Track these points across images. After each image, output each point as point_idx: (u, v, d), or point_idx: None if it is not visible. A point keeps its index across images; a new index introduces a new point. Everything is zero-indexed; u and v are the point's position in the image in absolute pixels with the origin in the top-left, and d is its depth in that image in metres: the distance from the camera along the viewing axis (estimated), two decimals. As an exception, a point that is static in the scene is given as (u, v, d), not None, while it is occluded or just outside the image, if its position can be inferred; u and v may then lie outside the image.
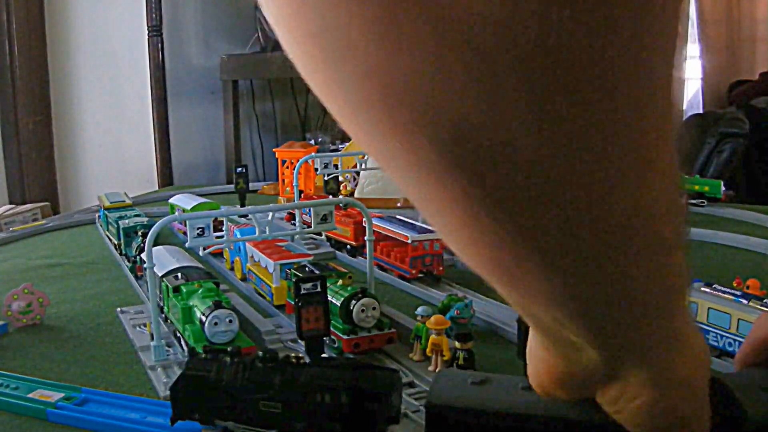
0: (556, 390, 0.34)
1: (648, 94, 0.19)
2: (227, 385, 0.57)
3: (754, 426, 0.36)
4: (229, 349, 0.60)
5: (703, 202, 1.62)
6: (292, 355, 0.58)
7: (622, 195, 0.21)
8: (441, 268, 1.09)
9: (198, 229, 0.83)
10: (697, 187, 1.62)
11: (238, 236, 1.10)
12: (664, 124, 0.21)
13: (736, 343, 0.75)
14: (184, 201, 1.42)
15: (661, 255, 0.25)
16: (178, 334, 0.83)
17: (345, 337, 0.79)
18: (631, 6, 0.17)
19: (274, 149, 1.86)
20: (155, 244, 0.80)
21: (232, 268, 1.18)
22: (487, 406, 0.41)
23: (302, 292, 0.75)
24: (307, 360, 0.58)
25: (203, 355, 0.61)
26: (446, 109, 0.18)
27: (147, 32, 2.31)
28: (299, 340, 0.80)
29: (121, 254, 1.28)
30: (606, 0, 0.16)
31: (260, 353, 0.58)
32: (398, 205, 1.72)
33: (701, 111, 3.80)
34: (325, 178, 1.67)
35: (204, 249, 1.26)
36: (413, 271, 1.08)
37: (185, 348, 0.80)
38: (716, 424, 0.34)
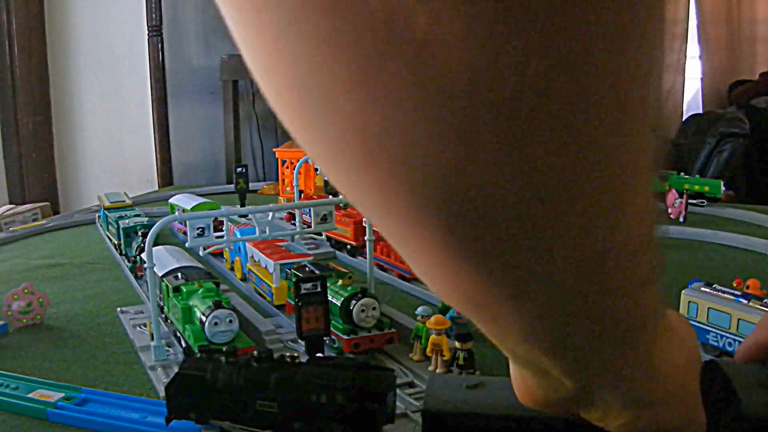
0: (542, 409, 0.34)
1: (624, 142, 0.20)
2: (223, 384, 0.57)
3: (747, 412, 0.36)
4: (224, 348, 0.59)
5: (703, 202, 1.62)
6: (288, 354, 0.58)
7: (597, 235, 0.21)
8: (441, 268, 1.09)
9: (198, 229, 0.83)
10: (697, 187, 1.62)
11: (238, 236, 1.10)
12: (640, 165, 0.21)
13: (736, 343, 0.75)
14: (184, 201, 1.42)
15: (636, 290, 0.25)
16: (178, 334, 0.83)
17: (345, 337, 0.79)
18: (610, 60, 0.17)
19: (274, 149, 1.86)
20: (155, 244, 0.80)
21: (232, 268, 1.18)
22: (483, 409, 0.41)
23: (302, 292, 0.75)
24: (303, 359, 0.58)
25: (199, 355, 0.60)
26: (424, 158, 0.18)
27: (147, 32, 2.31)
28: (299, 340, 0.80)
29: (121, 254, 1.28)
30: (586, 53, 0.16)
31: (255, 353, 0.58)
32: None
33: (701, 111, 3.80)
34: (325, 178, 1.67)
35: (204, 249, 1.26)
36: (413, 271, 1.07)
37: (185, 348, 0.80)
38: (710, 409, 0.34)
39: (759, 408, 0.36)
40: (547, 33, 0.16)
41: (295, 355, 0.58)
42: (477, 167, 0.18)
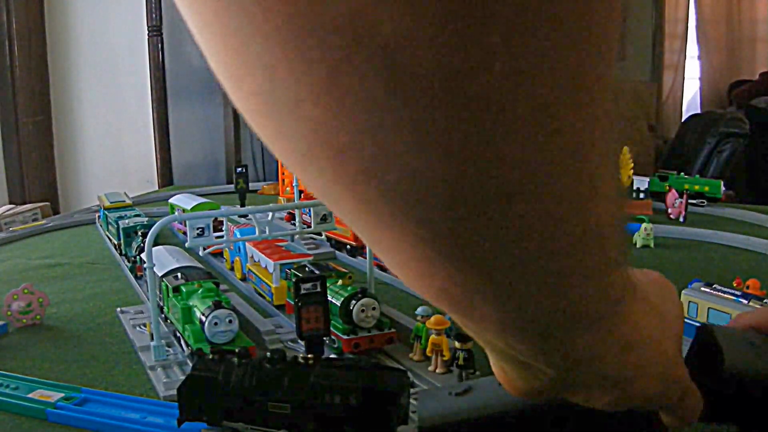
0: (526, 398, 0.35)
1: (592, 131, 0.20)
2: (235, 385, 0.56)
3: (730, 371, 0.36)
4: (237, 349, 0.59)
5: (703, 202, 1.62)
6: (301, 355, 0.58)
7: (569, 222, 0.22)
8: (441, 268, 1.09)
9: (198, 229, 0.83)
10: (697, 187, 1.63)
11: (238, 236, 1.10)
12: (607, 152, 0.21)
13: (736, 343, 0.75)
14: (184, 201, 1.42)
15: (607, 272, 0.26)
16: (178, 334, 0.83)
17: (345, 337, 0.79)
18: (571, 55, 0.17)
19: (274, 149, 1.86)
20: (155, 244, 0.80)
21: (232, 268, 1.18)
22: (475, 413, 0.41)
23: (302, 292, 0.75)
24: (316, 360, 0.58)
25: (210, 356, 0.60)
26: (394, 161, 0.18)
27: (147, 32, 2.31)
28: (299, 340, 0.80)
29: (121, 254, 1.28)
30: (549, 49, 0.17)
31: (268, 354, 0.58)
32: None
33: (700, 111, 3.80)
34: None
35: (204, 249, 1.26)
36: (413, 271, 1.07)
37: (185, 348, 0.80)
38: (700, 369, 0.35)
39: (743, 367, 0.37)
40: (510, 32, 0.16)
41: (309, 356, 0.58)
42: (449, 167, 0.18)
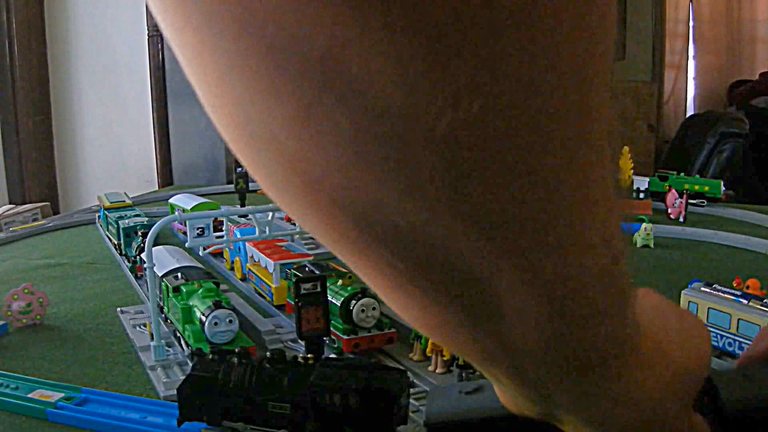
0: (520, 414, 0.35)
1: (572, 173, 0.19)
2: (235, 385, 0.57)
3: (735, 408, 0.36)
4: (236, 349, 0.59)
5: (703, 202, 1.62)
6: (300, 355, 0.58)
7: (546, 267, 0.21)
8: (441, 268, 1.09)
9: (198, 229, 0.83)
10: (697, 187, 1.63)
11: (238, 236, 1.10)
12: (595, 196, 0.21)
13: (736, 343, 0.75)
14: (184, 201, 1.42)
15: (594, 322, 0.25)
16: (178, 334, 0.83)
17: (345, 337, 0.79)
18: (545, 97, 0.17)
19: (274, 149, 1.86)
20: (155, 244, 0.80)
21: (232, 268, 1.18)
22: (484, 413, 0.41)
23: (302, 292, 0.75)
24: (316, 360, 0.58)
25: (210, 356, 0.60)
26: (365, 195, 0.19)
27: (147, 32, 2.31)
28: (299, 340, 0.80)
29: (121, 254, 1.28)
30: (520, 90, 0.16)
31: (268, 354, 0.58)
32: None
33: (700, 111, 3.80)
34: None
35: (204, 249, 1.26)
36: (413, 271, 1.07)
37: (185, 348, 0.81)
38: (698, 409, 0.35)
39: (744, 402, 0.36)
40: (477, 73, 0.16)
41: (308, 356, 0.58)
42: (416, 207, 0.18)
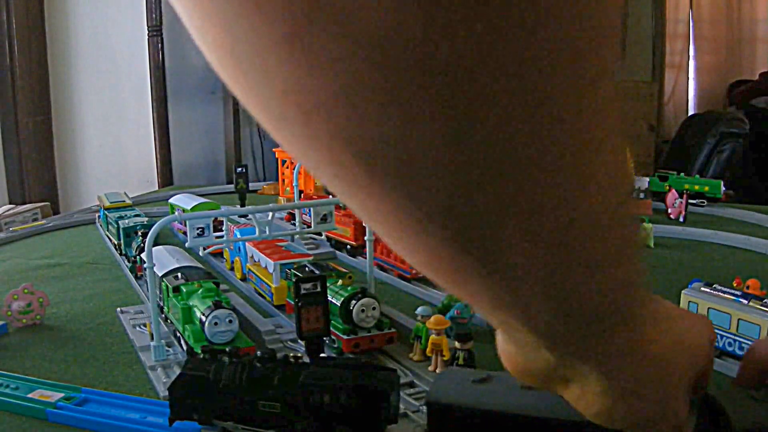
0: (523, 379, 0.34)
1: (579, 106, 0.19)
2: (226, 385, 0.57)
3: (736, 426, 0.36)
4: (227, 349, 0.60)
5: (703, 202, 1.62)
6: (291, 354, 0.58)
7: (556, 207, 0.21)
8: (441, 268, 1.09)
9: (198, 229, 0.83)
10: (697, 187, 1.62)
11: (238, 236, 1.10)
12: (602, 132, 0.20)
13: (736, 343, 0.75)
14: (184, 201, 1.42)
15: (604, 267, 0.24)
16: (178, 334, 0.83)
17: (345, 337, 0.79)
18: (550, 7, 0.16)
19: (274, 149, 1.86)
20: (155, 244, 0.80)
21: (232, 268, 1.18)
22: (487, 404, 0.41)
23: (302, 292, 0.75)
24: (306, 359, 0.58)
25: (202, 355, 0.60)
26: (363, 125, 0.18)
27: (147, 32, 2.31)
28: (299, 340, 0.80)
29: (121, 254, 1.28)
30: (520, 8, 0.16)
31: (259, 353, 0.58)
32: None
33: (700, 111, 3.80)
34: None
35: (204, 249, 1.26)
36: (413, 271, 1.08)
37: (185, 348, 0.81)
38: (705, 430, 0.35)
39: (751, 425, 0.36)
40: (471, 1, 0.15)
41: (299, 355, 0.58)
42: (416, 133, 0.17)
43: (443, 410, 0.42)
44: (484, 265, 0.22)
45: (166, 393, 0.72)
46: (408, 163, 0.18)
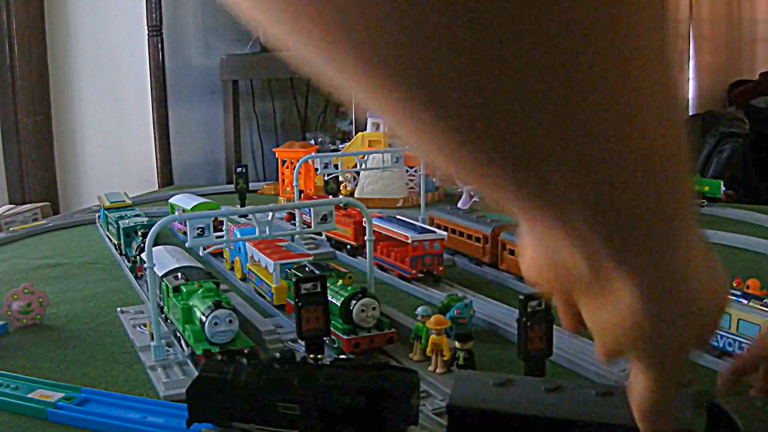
0: (541, 282, 0.33)
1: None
2: (244, 386, 0.56)
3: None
4: (245, 350, 0.59)
5: (703, 202, 1.62)
6: (310, 356, 0.58)
7: (595, 94, 0.20)
8: (441, 268, 1.09)
9: (198, 229, 0.83)
10: (697, 187, 1.62)
11: (238, 236, 1.10)
12: (649, 23, 0.20)
13: (736, 343, 0.75)
14: (184, 201, 1.42)
15: (650, 163, 0.24)
16: (178, 334, 0.83)
17: (345, 337, 0.79)
18: None
19: (274, 149, 1.86)
20: (155, 244, 0.80)
21: (232, 268, 1.18)
22: (508, 407, 0.41)
23: (302, 292, 0.75)
24: (326, 361, 0.58)
25: (219, 357, 0.60)
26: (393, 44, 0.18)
27: (147, 32, 2.31)
28: (299, 340, 0.80)
29: (121, 254, 1.28)
30: None
31: (277, 354, 0.57)
32: (398, 205, 1.72)
33: (700, 111, 3.80)
34: (325, 178, 1.67)
35: (204, 249, 1.26)
36: (413, 271, 1.08)
37: (185, 348, 0.81)
38: None
39: (755, 427, 0.36)
40: None
41: (319, 356, 0.58)
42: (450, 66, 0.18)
43: (465, 414, 0.42)
44: (507, 156, 0.22)
45: (167, 393, 0.72)
46: (445, 87, 0.18)
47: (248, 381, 0.56)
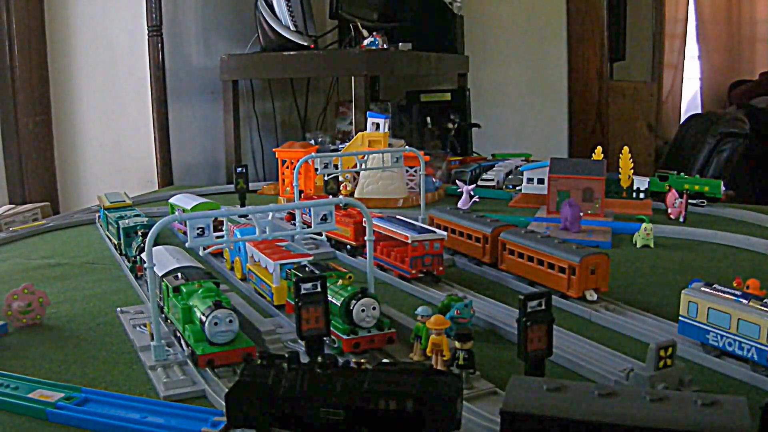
0: None
1: None
2: (286, 392, 0.55)
3: None
4: (286, 355, 0.58)
5: (703, 202, 1.62)
6: (354, 360, 0.57)
7: None
8: (441, 268, 1.09)
9: (198, 229, 0.82)
10: (697, 187, 1.63)
11: (238, 236, 1.10)
12: None
13: (736, 343, 0.75)
14: (184, 201, 1.42)
15: None
16: (178, 334, 0.83)
17: (345, 337, 0.79)
18: None
19: (274, 149, 1.87)
20: (155, 244, 0.80)
21: (232, 268, 1.18)
22: (561, 413, 0.41)
23: (302, 292, 0.75)
24: (368, 366, 0.57)
25: (259, 362, 0.59)
26: None
27: (147, 32, 2.31)
28: (299, 340, 0.80)
29: (121, 254, 1.28)
30: None
31: (319, 359, 0.56)
32: (398, 205, 1.72)
33: (700, 111, 3.81)
34: (325, 178, 1.67)
35: (204, 249, 1.26)
36: (413, 271, 1.08)
37: (185, 348, 0.81)
38: None
39: None
40: None
41: (362, 361, 0.57)
42: None
43: (519, 419, 0.42)
44: None
45: (167, 393, 0.72)
46: None
47: (289, 386, 0.55)
